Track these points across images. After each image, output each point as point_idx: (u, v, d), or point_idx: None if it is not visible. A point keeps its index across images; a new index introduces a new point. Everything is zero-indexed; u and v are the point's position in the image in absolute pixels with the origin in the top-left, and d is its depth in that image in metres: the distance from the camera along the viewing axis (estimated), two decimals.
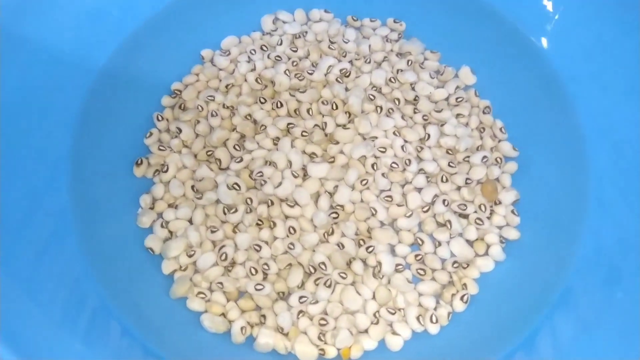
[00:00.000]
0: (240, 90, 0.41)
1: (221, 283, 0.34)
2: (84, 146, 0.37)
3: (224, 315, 0.34)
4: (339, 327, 0.34)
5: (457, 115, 0.40)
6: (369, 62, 0.42)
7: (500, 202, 0.38)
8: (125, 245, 0.36)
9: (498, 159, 0.39)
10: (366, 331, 0.34)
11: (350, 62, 0.42)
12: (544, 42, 0.43)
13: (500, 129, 0.41)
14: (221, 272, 0.35)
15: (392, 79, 0.41)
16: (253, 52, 0.42)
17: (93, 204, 0.36)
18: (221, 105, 0.40)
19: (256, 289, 0.34)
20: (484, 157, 0.39)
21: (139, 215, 0.37)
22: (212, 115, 0.39)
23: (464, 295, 0.35)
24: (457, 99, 0.41)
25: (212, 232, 0.36)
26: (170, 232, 0.36)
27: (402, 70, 0.42)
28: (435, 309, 0.35)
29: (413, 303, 0.35)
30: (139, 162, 0.38)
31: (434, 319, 0.34)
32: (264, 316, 0.34)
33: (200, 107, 0.40)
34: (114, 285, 0.34)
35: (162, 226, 0.36)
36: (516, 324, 0.34)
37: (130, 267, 0.35)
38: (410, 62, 0.42)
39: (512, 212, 0.38)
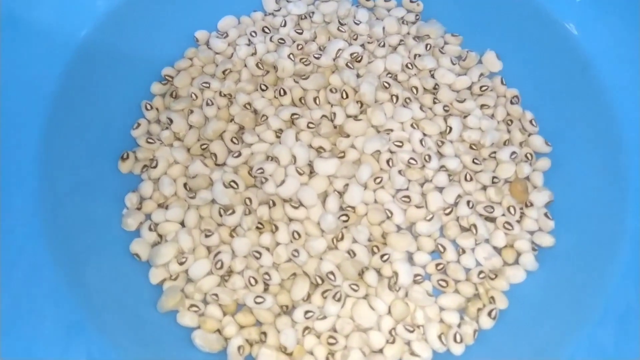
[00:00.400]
0: (239, 77, 0.40)
1: (216, 295, 0.33)
2: (59, 139, 0.34)
3: (219, 331, 0.33)
4: (349, 346, 0.32)
5: (482, 106, 0.40)
6: (383, 46, 0.41)
7: (531, 204, 0.37)
8: (108, 251, 0.34)
9: (528, 155, 0.38)
10: (381, 351, 0.33)
11: (362, 45, 0.41)
12: (575, 25, 0.41)
13: (531, 122, 0.39)
14: (216, 282, 0.34)
15: (409, 65, 0.40)
16: (254, 34, 0.41)
17: (68, 203, 0.34)
18: (218, 93, 0.39)
19: (256, 302, 0.33)
20: (513, 152, 0.37)
21: (124, 217, 0.35)
22: (208, 105, 0.38)
23: (492, 310, 0.34)
24: (481, 87, 0.40)
25: (207, 236, 0.35)
26: (160, 236, 0.36)
27: (420, 55, 0.41)
28: (459, 326, 0.34)
29: (434, 319, 0.34)
30: (125, 156, 0.37)
31: (457, 338, 0.33)
32: (264, 333, 0.33)
33: (194, 95, 0.39)
34: (93, 297, 0.31)
35: (150, 229, 0.35)
36: (551, 343, 0.32)
37: (113, 276, 0.33)
38: (429, 47, 0.41)
39: (546, 215, 0.36)
